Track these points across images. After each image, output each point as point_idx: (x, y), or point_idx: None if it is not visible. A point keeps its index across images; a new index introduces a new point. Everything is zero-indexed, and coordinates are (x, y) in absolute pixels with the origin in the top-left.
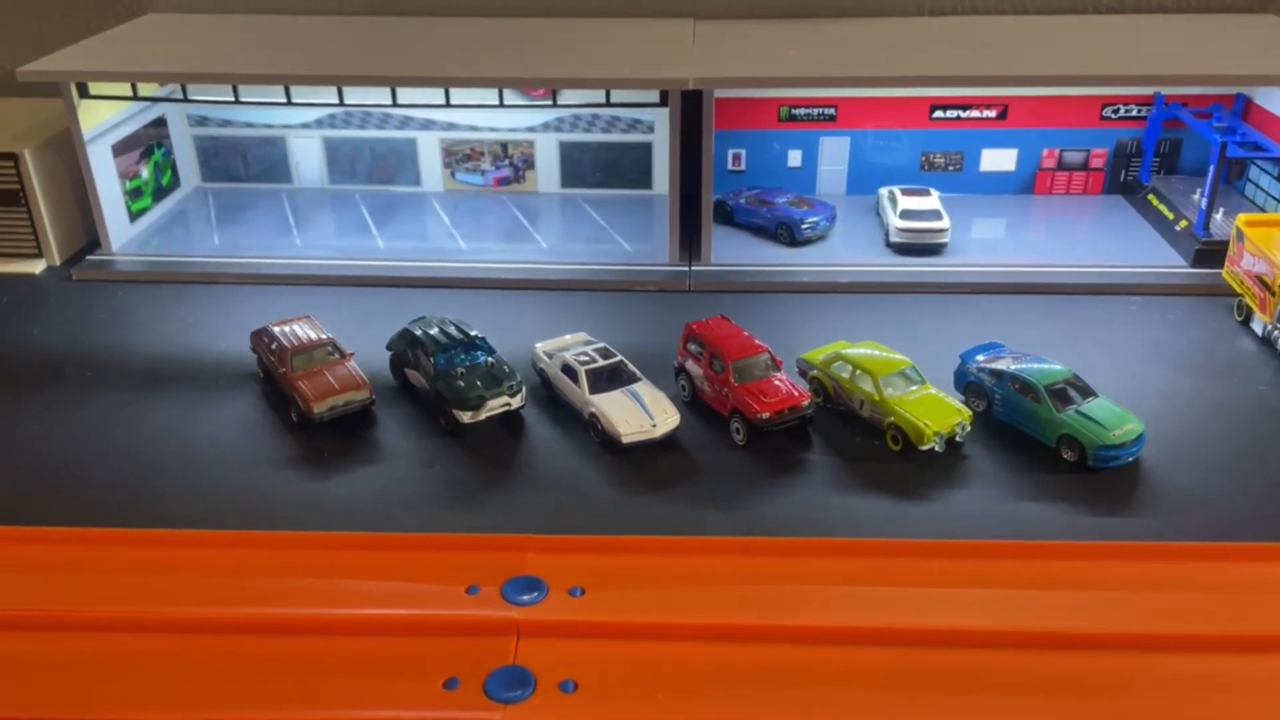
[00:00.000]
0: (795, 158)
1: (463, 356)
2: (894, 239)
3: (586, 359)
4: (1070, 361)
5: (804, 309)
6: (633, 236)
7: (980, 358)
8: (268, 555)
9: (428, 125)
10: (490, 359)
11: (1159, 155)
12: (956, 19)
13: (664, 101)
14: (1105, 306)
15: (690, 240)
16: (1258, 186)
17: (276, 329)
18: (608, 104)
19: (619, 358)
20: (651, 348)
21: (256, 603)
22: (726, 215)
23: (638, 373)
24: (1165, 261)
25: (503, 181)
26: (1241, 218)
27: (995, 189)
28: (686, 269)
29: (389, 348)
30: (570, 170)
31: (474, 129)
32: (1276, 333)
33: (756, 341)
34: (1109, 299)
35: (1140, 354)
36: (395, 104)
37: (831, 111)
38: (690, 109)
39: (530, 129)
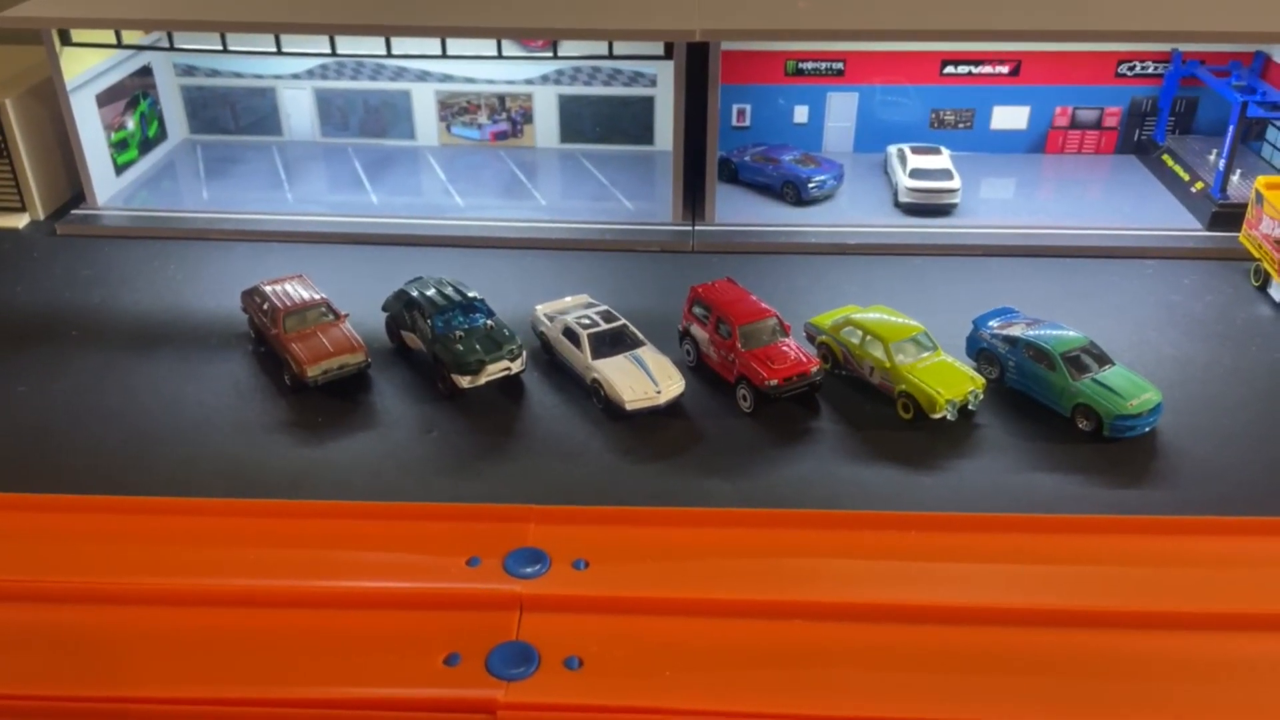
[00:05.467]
0: (801, 113)
1: (461, 319)
2: (903, 199)
3: (589, 322)
4: (1083, 327)
5: (811, 271)
6: (634, 194)
7: (994, 323)
8: (259, 525)
9: (423, 77)
10: (489, 321)
11: (1174, 114)
12: None
13: (668, 54)
14: (1119, 270)
15: (694, 199)
16: (1275, 147)
17: (268, 288)
18: (610, 56)
19: (622, 321)
20: (655, 310)
21: (247, 574)
22: (731, 173)
23: (641, 337)
24: (1180, 224)
25: (500, 136)
26: (1261, 180)
27: (1006, 148)
28: (690, 229)
29: (385, 309)
30: (570, 125)
31: (470, 81)
32: None
33: (764, 305)
34: (1123, 262)
35: (1155, 320)
36: (389, 54)
37: (840, 66)
38: (695, 62)
39: (529, 81)
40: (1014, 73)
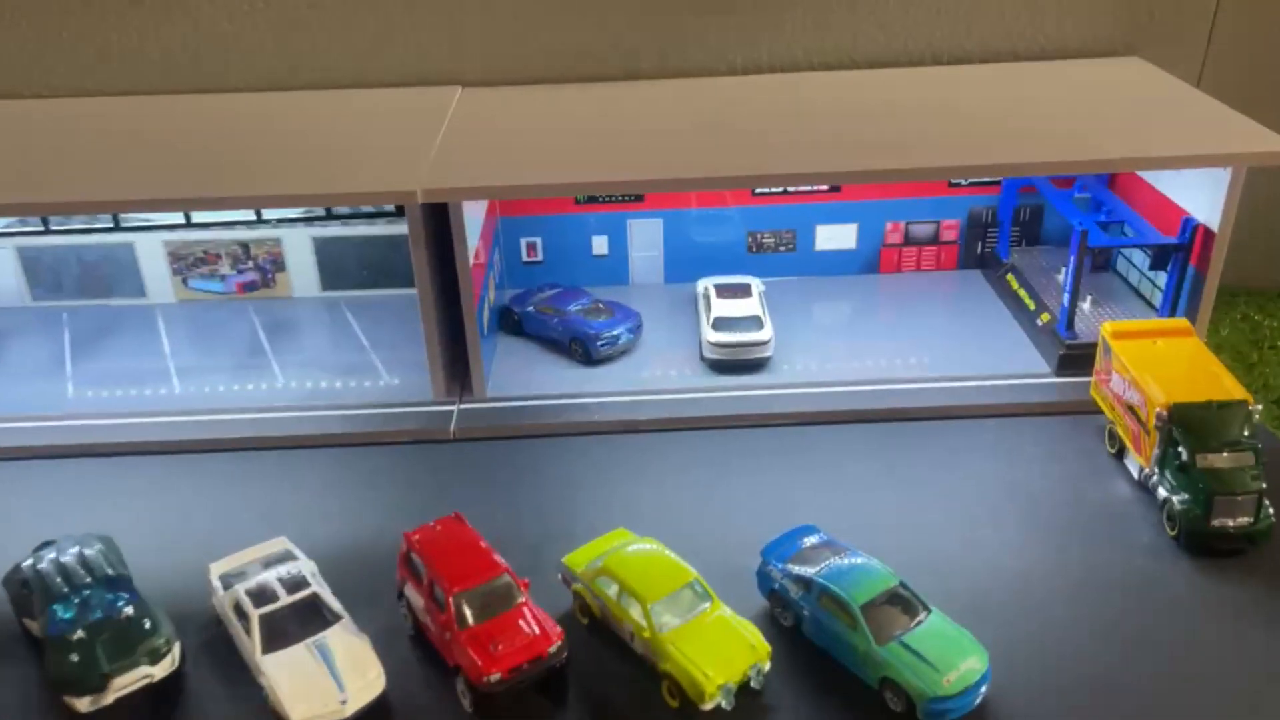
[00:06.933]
0: (600, 244)
1: (104, 598)
2: (707, 354)
3: (264, 595)
4: (904, 526)
5: (596, 456)
6: (399, 356)
7: (805, 541)
8: None
9: (145, 226)
10: (129, 608)
11: (1018, 224)
12: (772, 78)
13: (400, 212)
14: (954, 435)
15: (461, 367)
16: (1131, 263)
17: None
18: (328, 216)
19: (313, 588)
20: (388, 535)
21: None
22: (515, 324)
23: (338, 608)
24: (1026, 367)
25: (248, 287)
26: (1107, 327)
27: (836, 269)
28: (454, 408)
29: (3, 584)
30: (330, 270)
31: (203, 227)
32: (1155, 479)
33: (494, 557)
34: (959, 424)
35: (991, 508)
36: (47, 229)
37: (637, 191)
38: (438, 214)
39: (274, 224)
40: (835, 189)
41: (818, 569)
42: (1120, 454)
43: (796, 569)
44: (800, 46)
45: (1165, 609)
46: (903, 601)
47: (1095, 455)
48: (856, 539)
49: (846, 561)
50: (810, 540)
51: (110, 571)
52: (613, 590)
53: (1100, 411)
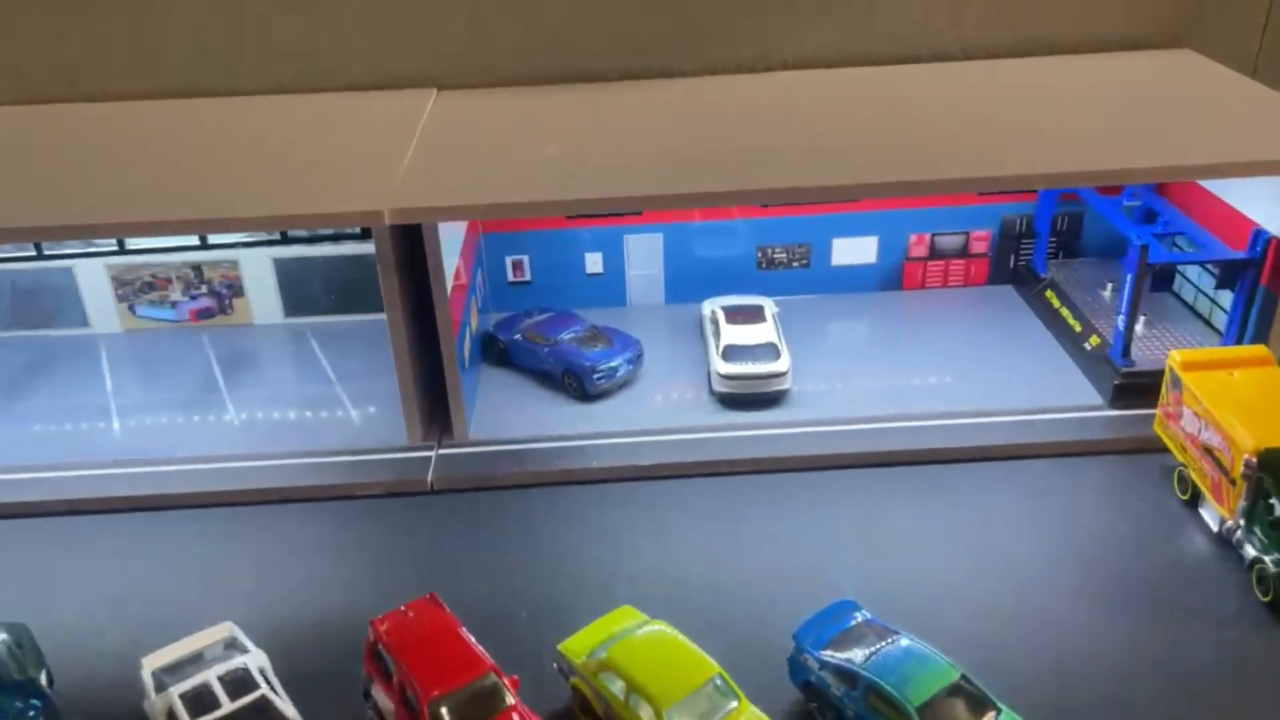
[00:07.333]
0: (595, 262)
1: (11, 707)
2: (717, 388)
3: (203, 700)
4: (949, 583)
5: (595, 506)
6: (372, 385)
7: (845, 621)
8: None
9: (87, 249)
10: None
11: (1056, 235)
12: (783, 76)
13: (366, 234)
14: (995, 480)
15: (440, 406)
16: (1186, 279)
17: None
18: (284, 240)
19: (261, 691)
20: (356, 615)
21: None
22: (501, 354)
23: (291, 714)
24: (1075, 399)
25: (203, 314)
26: (1175, 356)
27: (854, 286)
28: (431, 454)
29: None
30: (293, 294)
31: (151, 250)
32: (1241, 534)
33: (476, 650)
34: (998, 466)
35: (1046, 575)
36: None
37: None
38: (411, 233)
39: (231, 245)
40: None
41: (864, 659)
42: (1194, 500)
43: (837, 658)
44: (812, 41)
45: (1263, 691)
46: (967, 699)
47: (1163, 502)
48: (895, 611)
49: (897, 648)
50: (852, 620)
51: (18, 675)
52: (618, 687)
53: (1164, 450)
